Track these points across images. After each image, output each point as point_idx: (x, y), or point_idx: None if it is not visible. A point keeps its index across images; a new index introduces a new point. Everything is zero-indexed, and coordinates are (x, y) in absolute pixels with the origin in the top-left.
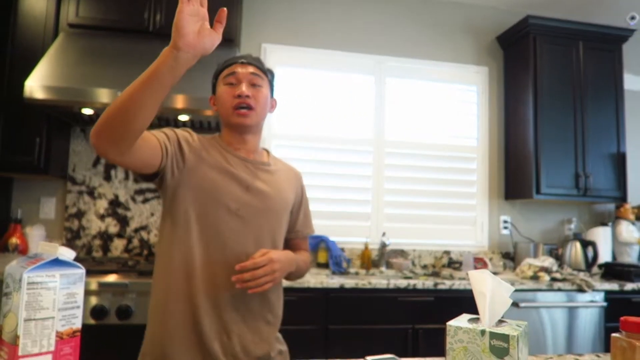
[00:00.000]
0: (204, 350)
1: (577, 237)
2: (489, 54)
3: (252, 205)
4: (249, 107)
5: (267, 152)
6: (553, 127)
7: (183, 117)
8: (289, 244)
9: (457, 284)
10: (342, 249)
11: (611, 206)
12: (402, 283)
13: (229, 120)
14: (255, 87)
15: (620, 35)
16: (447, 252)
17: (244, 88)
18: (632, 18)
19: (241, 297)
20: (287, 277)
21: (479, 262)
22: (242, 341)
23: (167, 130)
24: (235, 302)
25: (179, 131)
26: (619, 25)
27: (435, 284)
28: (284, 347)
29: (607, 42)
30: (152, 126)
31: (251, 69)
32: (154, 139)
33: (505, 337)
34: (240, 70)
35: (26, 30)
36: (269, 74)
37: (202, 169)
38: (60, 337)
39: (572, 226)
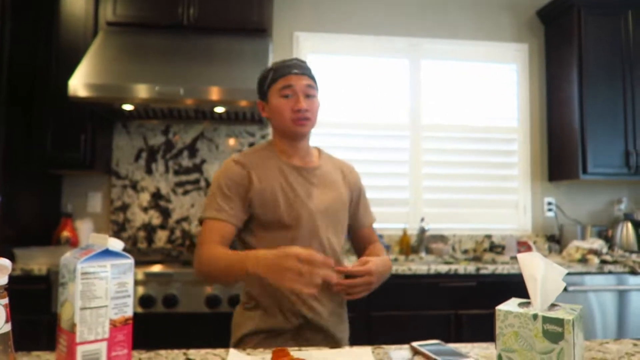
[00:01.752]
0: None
1: (628, 217)
2: (529, 30)
3: (309, 213)
4: (307, 119)
5: (319, 150)
6: (600, 103)
7: (219, 109)
8: (357, 235)
9: (500, 269)
10: (381, 236)
11: None
12: (443, 268)
13: (287, 130)
14: (309, 97)
15: None
16: (488, 237)
17: (303, 103)
18: None
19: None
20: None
21: (523, 246)
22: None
23: (220, 201)
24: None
25: (229, 186)
26: None
27: (478, 269)
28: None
29: None
30: (189, 118)
31: (305, 80)
32: (229, 233)
33: (559, 322)
34: (296, 82)
35: (68, 30)
36: (317, 80)
37: (264, 189)
38: (113, 324)
39: (622, 206)
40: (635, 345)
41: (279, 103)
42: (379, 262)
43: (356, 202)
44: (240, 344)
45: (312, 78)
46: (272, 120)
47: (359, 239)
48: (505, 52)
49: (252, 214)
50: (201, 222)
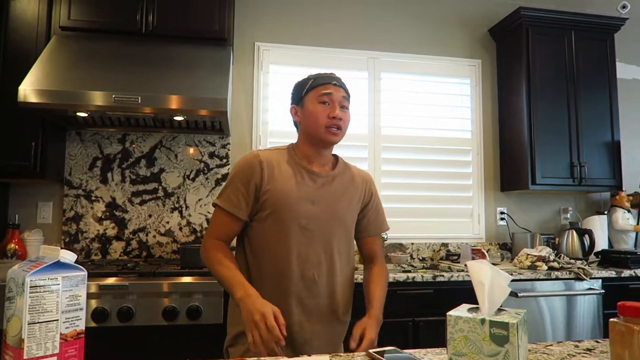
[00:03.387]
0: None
1: (573, 226)
2: (482, 47)
3: (319, 217)
4: (339, 128)
5: (338, 158)
6: (547, 117)
7: (178, 117)
8: (361, 243)
9: (456, 276)
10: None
11: (606, 195)
12: (402, 276)
13: (318, 136)
14: (344, 109)
15: (612, 24)
16: (445, 245)
17: (338, 111)
18: (624, 7)
19: (313, 305)
20: None
21: (477, 254)
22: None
23: (230, 190)
24: (306, 310)
25: (241, 176)
26: (610, 14)
27: (434, 277)
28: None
29: (599, 32)
30: (147, 126)
31: (342, 92)
32: (233, 227)
33: (505, 325)
34: (335, 92)
35: (18, 34)
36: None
37: (275, 190)
38: (64, 339)
39: (569, 215)
40: (576, 346)
41: (315, 108)
42: (374, 321)
43: (367, 208)
44: (235, 342)
45: (348, 93)
46: (304, 124)
47: (362, 247)
48: (460, 67)
49: (259, 210)
50: (215, 205)
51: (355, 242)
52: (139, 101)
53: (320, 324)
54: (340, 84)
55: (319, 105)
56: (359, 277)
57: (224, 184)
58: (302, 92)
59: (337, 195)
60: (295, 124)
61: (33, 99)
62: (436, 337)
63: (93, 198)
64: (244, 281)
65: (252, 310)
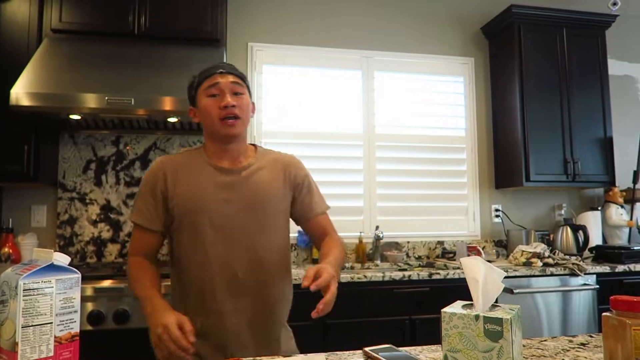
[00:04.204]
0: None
1: (567, 222)
2: (475, 45)
3: (234, 215)
4: (236, 117)
5: (255, 147)
6: (540, 114)
7: (172, 119)
8: (309, 225)
9: (452, 274)
10: None
11: (600, 190)
12: (398, 275)
13: (217, 132)
14: (237, 95)
15: (603, 21)
16: (440, 243)
17: (229, 98)
18: (614, 4)
19: (245, 307)
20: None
21: (473, 251)
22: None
23: (140, 203)
24: (239, 312)
25: (147, 186)
26: (601, 11)
27: (430, 275)
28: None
29: (590, 29)
30: (141, 128)
31: (231, 78)
32: (150, 240)
33: (499, 321)
34: (221, 80)
35: (9, 37)
36: (246, 79)
37: (183, 193)
38: (59, 342)
39: (563, 212)
40: (570, 341)
41: (206, 103)
42: (334, 264)
43: (300, 193)
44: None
45: (240, 77)
46: (203, 123)
47: (312, 229)
48: (453, 65)
49: (173, 218)
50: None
51: (302, 229)
52: (132, 103)
53: (258, 325)
54: (228, 70)
55: (209, 99)
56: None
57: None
58: (193, 92)
59: (255, 187)
60: (199, 124)
61: (25, 102)
62: (433, 335)
63: (87, 201)
64: (152, 295)
65: (155, 324)
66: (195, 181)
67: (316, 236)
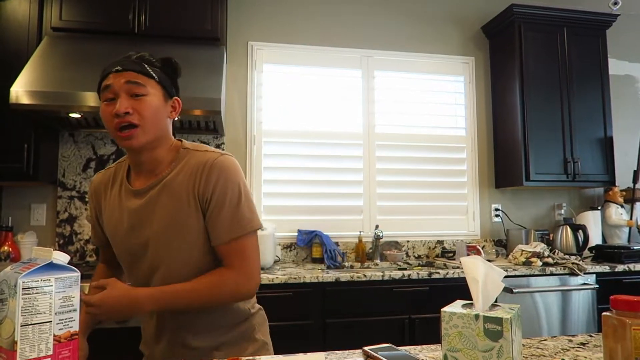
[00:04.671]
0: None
1: (567, 221)
2: (475, 45)
3: (145, 243)
4: (131, 125)
5: (179, 149)
6: (540, 114)
7: None
8: (218, 252)
9: (451, 273)
10: (337, 243)
11: (600, 190)
12: (397, 274)
13: (121, 144)
14: (136, 97)
15: (603, 21)
16: (440, 242)
17: (122, 104)
18: (615, 3)
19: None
20: (182, 309)
21: (472, 250)
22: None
23: (91, 220)
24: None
25: (88, 202)
26: (602, 10)
27: (430, 274)
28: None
29: (591, 28)
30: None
31: (128, 76)
32: (107, 250)
33: (498, 320)
34: (114, 81)
35: (9, 35)
36: (159, 72)
37: (104, 224)
38: (58, 340)
39: (563, 211)
40: (570, 341)
41: (101, 110)
42: (114, 298)
43: (206, 211)
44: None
45: (142, 72)
46: None
47: (219, 257)
48: (453, 64)
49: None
50: None
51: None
52: None
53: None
54: (126, 67)
55: (103, 104)
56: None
57: None
58: (99, 95)
59: (161, 209)
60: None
61: (25, 100)
62: (432, 335)
63: (87, 199)
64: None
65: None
66: (110, 209)
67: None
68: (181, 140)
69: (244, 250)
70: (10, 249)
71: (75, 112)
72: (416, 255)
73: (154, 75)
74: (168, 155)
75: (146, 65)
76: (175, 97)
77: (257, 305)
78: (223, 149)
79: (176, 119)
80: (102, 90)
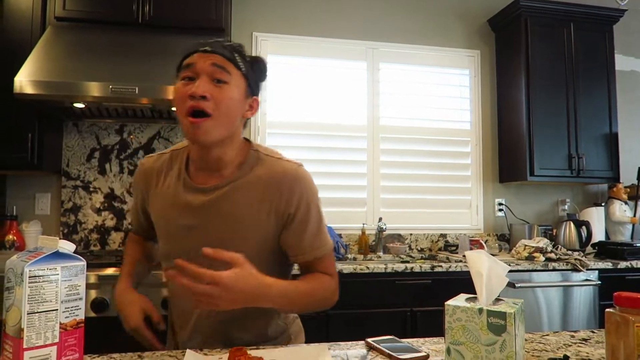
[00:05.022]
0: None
1: (570, 217)
2: (481, 38)
3: (198, 248)
4: (204, 114)
5: (250, 150)
6: (545, 109)
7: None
8: (301, 269)
9: (454, 266)
10: (340, 235)
11: (604, 186)
12: (400, 267)
13: (186, 132)
14: (218, 83)
15: (610, 16)
16: (443, 235)
17: (200, 86)
18: None
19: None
20: (289, 311)
21: (475, 244)
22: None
23: (133, 209)
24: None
25: (134, 193)
26: (609, 5)
27: (432, 267)
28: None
29: (598, 23)
30: (145, 117)
31: (214, 59)
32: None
33: (502, 315)
34: (199, 61)
35: (13, 25)
36: (247, 65)
37: (155, 213)
38: (64, 328)
39: (566, 207)
40: (572, 336)
41: (175, 89)
42: (246, 280)
43: (288, 226)
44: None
45: (230, 58)
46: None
47: (303, 271)
48: (458, 57)
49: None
50: None
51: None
52: (136, 92)
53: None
54: (215, 49)
55: (179, 84)
56: None
57: None
58: (177, 74)
59: (227, 214)
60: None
61: (29, 90)
62: (434, 327)
63: (91, 189)
64: (122, 275)
65: (122, 313)
66: (162, 199)
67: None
68: (249, 140)
69: (330, 265)
70: (15, 237)
71: (79, 102)
72: (419, 249)
73: (242, 66)
74: (237, 156)
75: (236, 55)
76: (255, 97)
77: (293, 316)
78: None
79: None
80: (182, 68)
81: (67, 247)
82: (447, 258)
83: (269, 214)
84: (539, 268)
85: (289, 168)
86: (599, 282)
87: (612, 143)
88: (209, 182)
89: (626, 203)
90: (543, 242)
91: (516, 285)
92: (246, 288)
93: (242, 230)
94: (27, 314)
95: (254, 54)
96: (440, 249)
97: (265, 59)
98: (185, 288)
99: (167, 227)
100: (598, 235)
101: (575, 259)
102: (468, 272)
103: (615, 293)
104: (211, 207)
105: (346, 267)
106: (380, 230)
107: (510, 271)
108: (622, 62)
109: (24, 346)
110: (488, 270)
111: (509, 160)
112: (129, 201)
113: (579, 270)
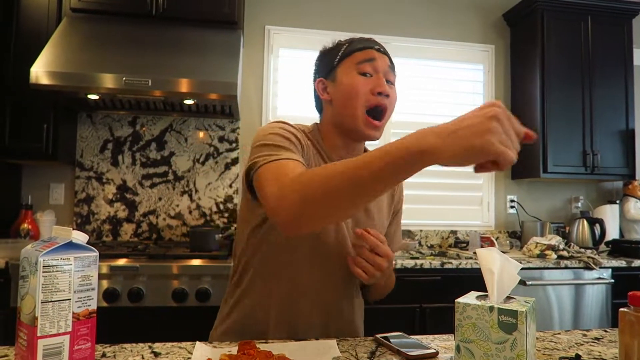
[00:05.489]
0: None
1: (584, 215)
2: (496, 32)
3: (336, 231)
4: (384, 113)
5: (364, 147)
6: (560, 104)
7: (188, 101)
8: None
9: (464, 263)
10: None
11: (619, 184)
12: (409, 263)
13: (352, 126)
14: (389, 85)
15: (630, 9)
16: (453, 232)
17: (384, 84)
18: None
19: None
20: (372, 293)
21: (486, 242)
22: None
23: (292, 139)
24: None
25: (290, 133)
26: None
27: (442, 264)
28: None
29: (616, 17)
30: (157, 110)
31: (388, 62)
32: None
33: (513, 313)
34: (379, 59)
35: (29, 16)
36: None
37: None
38: (76, 318)
39: (580, 204)
40: (584, 335)
41: (354, 81)
42: (390, 265)
43: (392, 220)
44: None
45: (393, 64)
46: (337, 104)
47: None
48: (473, 52)
49: None
50: (249, 178)
51: None
52: (150, 84)
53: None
54: (384, 51)
55: (359, 76)
56: None
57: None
58: (335, 61)
59: (373, 208)
60: (320, 105)
61: (45, 80)
62: (443, 324)
63: (104, 180)
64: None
65: (468, 123)
66: None
67: None
68: None
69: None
70: (29, 226)
71: (94, 94)
72: (429, 245)
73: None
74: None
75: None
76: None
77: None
78: (238, 134)
79: (192, 102)
80: (359, 62)
81: (81, 237)
82: (457, 255)
83: (389, 205)
84: (551, 266)
85: None
86: (612, 281)
87: (628, 139)
88: None
89: None
90: (555, 240)
91: (527, 282)
92: (390, 268)
93: (374, 215)
94: (41, 302)
95: (265, 47)
96: (450, 246)
97: None
98: (362, 254)
99: None
100: (612, 233)
101: (588, 257)
102: (478, 269)
103: (630, 292)
104: None
105: None
106: None
107: (521, 269)
108: None
109: (38, 334)
110: (499, 267)
111: (521, 157)
112: (141, 193)
113: (592, 269)
